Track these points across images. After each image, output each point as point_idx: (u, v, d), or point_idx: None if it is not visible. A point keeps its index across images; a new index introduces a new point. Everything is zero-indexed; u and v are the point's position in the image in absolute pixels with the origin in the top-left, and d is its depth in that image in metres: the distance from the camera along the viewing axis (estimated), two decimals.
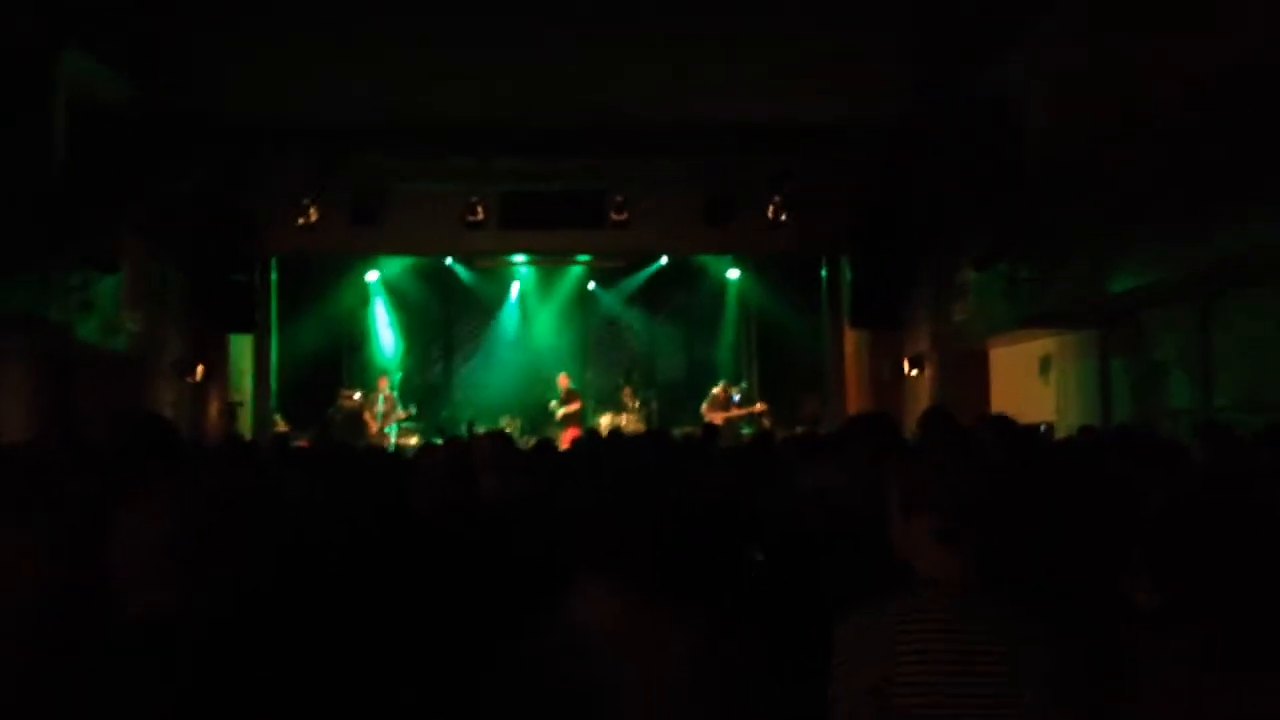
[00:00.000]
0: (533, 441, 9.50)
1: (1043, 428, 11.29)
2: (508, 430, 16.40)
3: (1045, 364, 13.42)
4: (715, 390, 16.76)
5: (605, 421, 16.64)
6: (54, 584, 1.97)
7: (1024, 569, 3.23)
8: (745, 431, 15.71)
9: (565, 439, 14.38)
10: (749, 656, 2.54)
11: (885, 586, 2.46)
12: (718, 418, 16.23)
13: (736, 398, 16.79)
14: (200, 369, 14.20)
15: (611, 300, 18.98)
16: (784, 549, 3.73)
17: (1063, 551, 3.34)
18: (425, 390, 18.30)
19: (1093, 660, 2.35)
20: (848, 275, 15.82)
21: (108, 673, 2.01)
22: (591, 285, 18.92)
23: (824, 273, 17.21)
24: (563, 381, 17.00)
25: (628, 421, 16.32)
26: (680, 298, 18.94)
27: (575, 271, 18.78)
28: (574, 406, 16.77)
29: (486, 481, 3.87)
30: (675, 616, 2.52)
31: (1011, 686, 2.29)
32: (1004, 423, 4.66)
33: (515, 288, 18.78)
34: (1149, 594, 2.35)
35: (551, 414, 16.96)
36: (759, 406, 16.67)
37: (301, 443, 13.17)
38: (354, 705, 2.59)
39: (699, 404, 17.10)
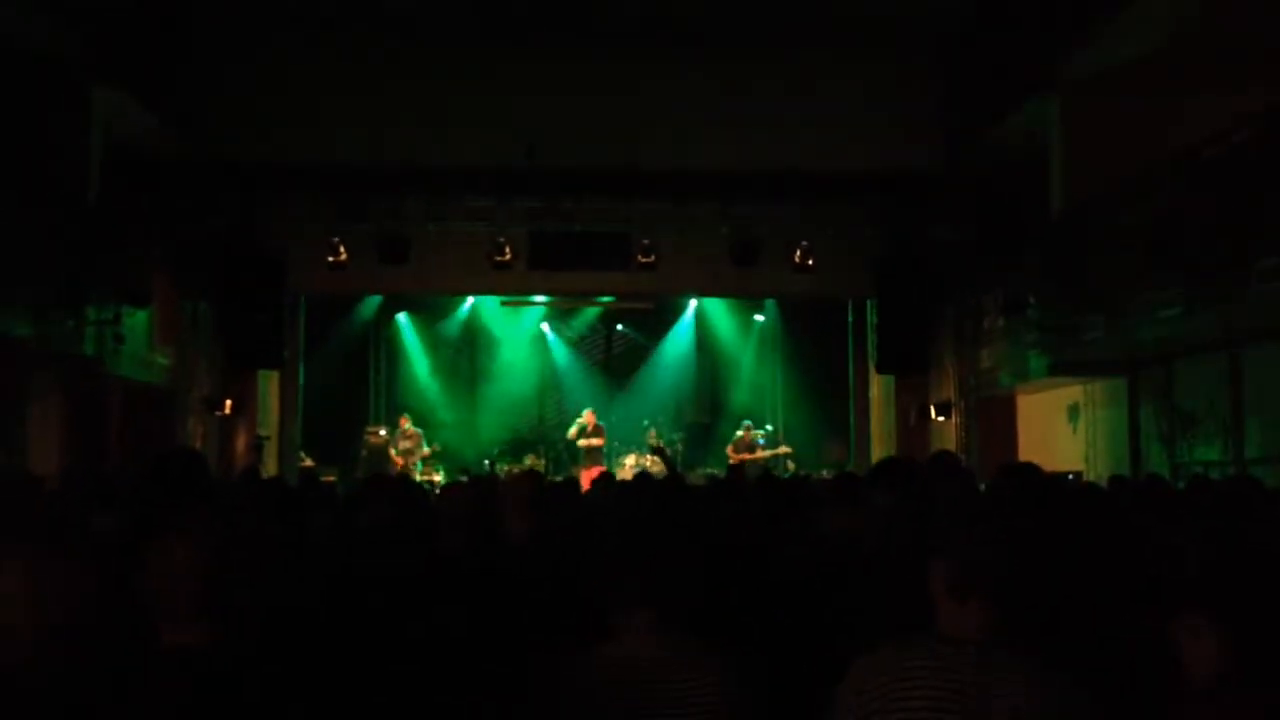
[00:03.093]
0: (557, 479, 9.50)
1: (1070, 476, 11.20)
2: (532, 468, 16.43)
3: (1074, 412, 13.33)
4: (740, 433, 16.74)
5: (630, 462, 16.62)
6: (85, 616, 1.98)
7: (1049, 626, 3.21)
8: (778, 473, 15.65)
9: (586, 478, 14.36)
10: (774, 693, 2.56)
11: (901, 631, 2.45)
12: (742, 459, 16.21)
13: (761, 440, 16.75)
14: (229, 404, 14.31)
15: (637, 341, 19.01)
16: (807, 590, 3.72)
17: (1090, 609, 3.30)
18: (449, 427, 18.34)
19: None
20: (873, 320, 15.80)
21: (138, 705, 2.02)
22: (619, 326, 18.97)
23: (850, 317, 17.21)
24: (588, 418, 16.99)
25: (653, 463, 16.29)
26: (706, 341, 18.95)
27: (602, 312, 18.84)
28: (597, 441, 16.74)
29: (515, 523, 3.87)
30: (709, 652, 2.59)
31: None
32: (1030, 471, 4.60)
33: (543, 327, 18.85)
34: (1208, 660, 2.27)
35: (572, 444, 16.91)
36: (783, 449, 16.63)
37: (327, 479, 13.27)
38: None
39: (723, 446, 17.08)
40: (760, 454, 16.45)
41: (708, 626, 2.69)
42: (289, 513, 3.99)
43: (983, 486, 6.16)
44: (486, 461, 16.76)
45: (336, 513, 4.43)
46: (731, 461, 16.17)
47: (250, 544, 2.33)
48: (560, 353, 19.05)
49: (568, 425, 17.27)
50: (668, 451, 15.61)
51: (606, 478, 10.75)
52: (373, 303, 17.91)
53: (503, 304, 18.29)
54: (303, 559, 3.30)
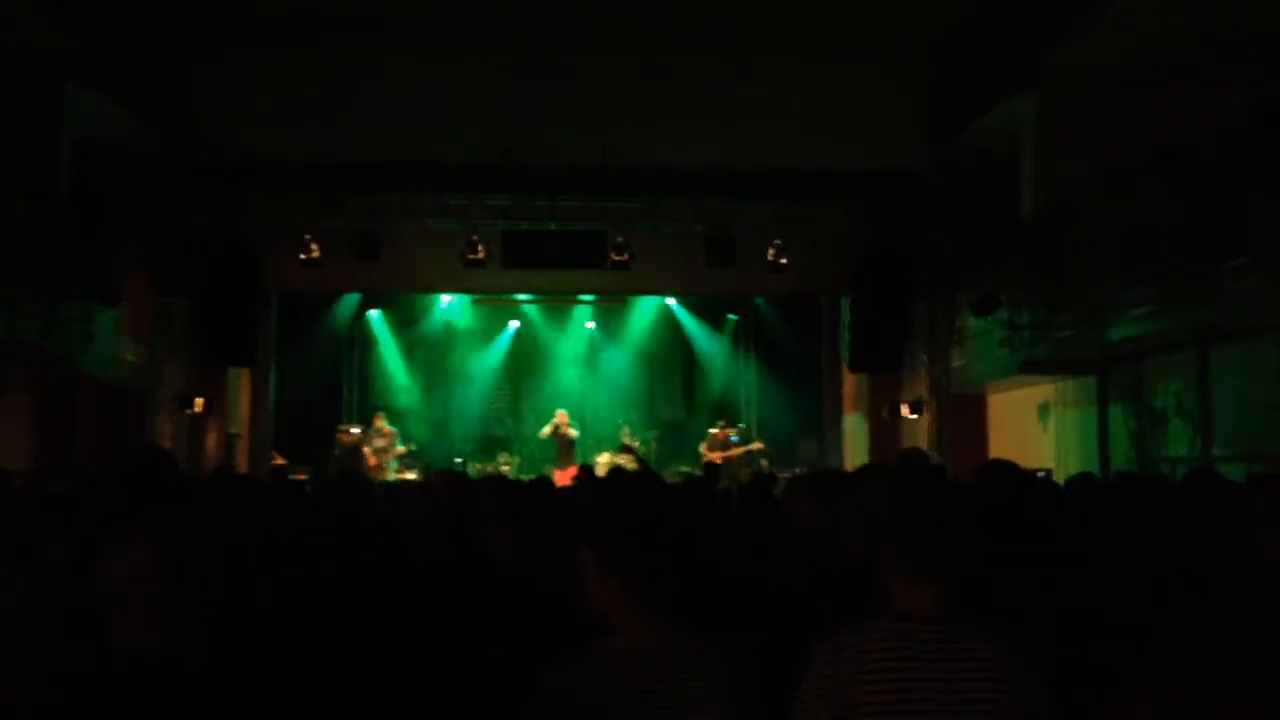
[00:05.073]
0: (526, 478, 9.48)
1: (1040, 474, 11.27)
2: (505, 468, 16.41)
3: (1044, 410, 13.43)
4: (714, 430, 16.78)
5: (604, 460, 16.62)
6: (46, 616, 1.97)
7: (997, 606, 3.26)
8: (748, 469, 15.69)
9: (560, 477, 14.35)
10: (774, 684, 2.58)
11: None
12: (716, 457, 16.23)
13: (735, 438, 16.78)
14: (199, 401, 14.20)
15: (611, 340, 18.99)
16: (795, 584, 3.73)
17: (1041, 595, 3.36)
18: (424, 426, 18.27)
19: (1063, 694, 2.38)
20: (847, 318, 15.85)
21: (95, 705, 2.00)
22: (590, 325, 18.95)
23: (823, 316, 17.27)
24: (560, 418, 16.98)
25: (626, 461, 16.30)
26: (680, 338, 18.96)
27: (575, 310, 18.82)
28: (570, 439, 16.76)
29: (493, 535, 3.84)
30: (707, 646, 2.63)
31: (970, 713, 2.34)
32: (1005, 467, 4.64)
33: (514, 325, 18.79)
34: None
35: (544, 444, 16.91)
36: (756, 445, 16.66)
37: (298, 476, 13.19)
38: None
39: (696, 444, 17.10)
40: (735, 451, 16.49)
41: (706, 622, 2.73)
42: (256, 512, 3.96)
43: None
44: (458, 460, 16.71)
45: (304, 512, 4.41)
46: (706, 459, 16.19)
47: (215, 545, 2.30)
48: (534, 350, 19.00)
49: (540, 424, 17.26)
50: (639, 450, 15.67)
51: (588, 472, 10.75)
52: (346, 300, 17.81)
53: (474, 302, 18.24)
54: (270, 559, 3.27)
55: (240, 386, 15.93)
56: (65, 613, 1.99)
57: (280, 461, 15.76)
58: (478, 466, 16.47)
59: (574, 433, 16.96)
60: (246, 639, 2.39)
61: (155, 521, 2.36)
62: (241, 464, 15.11)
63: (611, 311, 18.76)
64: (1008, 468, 4.65)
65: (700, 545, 4.25)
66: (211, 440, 14.98)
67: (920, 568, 2.47)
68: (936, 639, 2.40)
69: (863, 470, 4.34)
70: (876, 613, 2.50)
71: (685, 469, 16.11)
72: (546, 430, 16.84)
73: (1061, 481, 9.10)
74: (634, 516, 2.84)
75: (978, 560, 2.62)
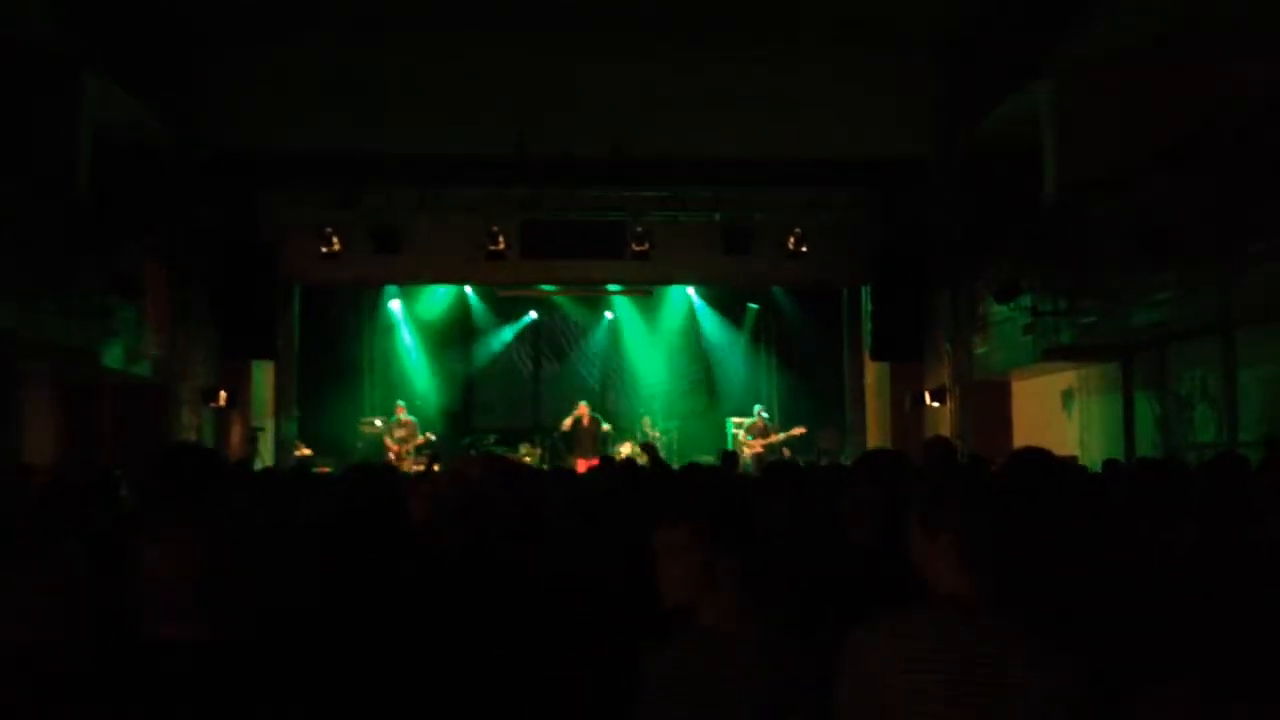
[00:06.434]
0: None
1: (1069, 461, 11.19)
2: (526, 459, 16.41)
3: (1068, 397, 13.34)
4: (754, 420, 16.79)
5: (625, 451, 16.60)
6: (73, 610, 1.97)
7: (1037, 591, 3.23)
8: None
9: (581, 466, 14.36)
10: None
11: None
12: (757, 445, 16.24)
13: (767, 421, 16.87)
14: (223, 395, 14.27)
15: (632, 330, 18.97)
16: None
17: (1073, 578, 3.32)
18: (445, 417, 18.32)
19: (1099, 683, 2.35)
20: (868, 307, 15.78)
21: (123, 698, 2.01)
22: (609, 315, 18.94)
23: (844, 304, 17.20)
24: (582, 410, 16.98)
25: (638, 454, 16.28)
26: (701, 328, 18.92)
27: (597, 301, 18.82)
28: (591, 431, 16.76)
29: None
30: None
31: (1015, 701, 2.30)
32: (1038, 455, 4.57)
33: (534, 315, 18.80)
34: None
35: (567, 435, 16.93)
36: (798, 430, 16.56)
37: (322, 469, 13.25)
38: None
39: (717, 434, 17.11)
40: (774, 438, 16.46)
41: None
42: (278, 505, 3.97)
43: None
44: (473, 453, 16.72)
45: (325, 504, 4.40)
46: (748, 450, 16.22)
47: (243, 538, 2.31)
48: (556, 341, 19.00)
49: (562, 414, 17.27)
50: (655, 448, 15.72)
51: (609, 463, 10.74)
52: (367, 292, 17.86)
53: (496, 293, 18.25)
54: (294, 552, 3.27)
55: (264, 380, 15.99)
56: (88, 607, 1.99)
57: (304, 453, 15.85)
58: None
59: (603, 425, 16.96)
60: (271, 632, 2.38)
61: (186, 513, 2.37)
62: (266, 457, 15.18)
63: (632, 302, 18.72)
64: (1039, 456, 4.56)
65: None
66: (235, 434, 15.05)
67: (975, 562, 2.44)
68: (977, 627, 2.37)
69: (864, 458, 4.24)
70: (903, 603, 2.47)
71: (708, 459, 16.07)
72: (567, 423, 16.84)
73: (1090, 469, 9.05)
74: (734, 502, 2.83)
75: (1017, 548, 2.58)
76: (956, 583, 2.44)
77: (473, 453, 16.31)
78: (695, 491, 3.78)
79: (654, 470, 7.36)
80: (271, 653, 2.28)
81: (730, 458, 10.87)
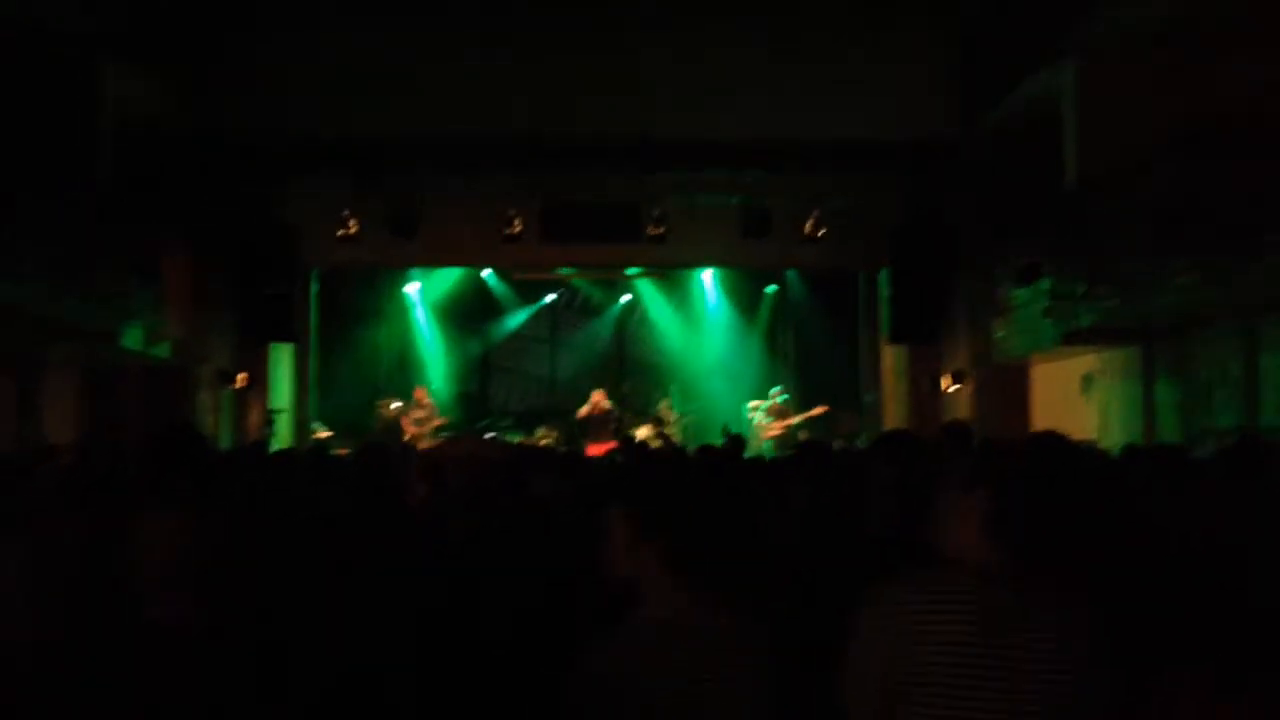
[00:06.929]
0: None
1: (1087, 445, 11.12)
2: (544, 441, 16.43)
3: (1088, 381, 13.25)
4: (771, 402, 16.78)
5: (642, 433, 16.60)
6: (73, 588, 1.98)
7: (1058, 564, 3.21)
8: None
9: (593, 451, 14.37)
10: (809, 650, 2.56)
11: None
12: (776, 427, 16.23)
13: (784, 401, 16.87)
14: (242, 377, 14.35)
15: (649, 313, 18.95)
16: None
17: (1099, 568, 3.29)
18: (463, 400, 18.37)
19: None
20: (885, 290, 15.71)
21: (121, 675, 2.02)
22: (627, 298, 18.93)
23: (860, 288, 17.14)
24: (598, 397, 16.99)
25: (651, 436, 16.29)
26: (718, 311, 18.90)
27: (615, 284, 18.82)
28: (605, 418, 16.76)
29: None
30: (740, 612, 2.60)
31: (1037, 668, 2.30)
32: (1054, 440, 4.53)
33: (552, 298, 18.81)
34: None
35: (583, 422, 16.94)
36: (819, 410, 16.51)
37: (340, 450, 13.29)
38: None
39: (735, 417, 17.07)
40: (795, 419, 16.43)
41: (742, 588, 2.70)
42: (292, 486, 3.98)
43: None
44: (490, 435, 16.75)
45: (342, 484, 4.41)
46: (768, 433, 16.22)
47: (240, 521, 2.31)
48: (574, 323, 19.01)
49: (581, 398, 17.27)
50: (676, 425, 15.75)
51: (628, 443, 10.73)
52: (385, 276, 17.91)
53: (513, 276, 18.26)
54: (303, 533, 3.27)
55: (283, 362, 16.06)
56: (87, 587, 2.00)
57: (323, 436, 15.91)
58: (518, 440, 16.50)
59: (619, 410, 16.96)
60: (269, 614, 2.39)
61: (186, 493, 2.38)
62: (285, 439, 15.25)
63: (650, 285, 18.70)
64: (1056, 440, 4.52)
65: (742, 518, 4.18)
66: (254, 416, 15.13)
67: (1005, 531, 2.42)
68: (997, 602, 2.35)
69: (881, 439, 4.19)
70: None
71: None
72: (584, 410, 16.86)
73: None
74: (670, 483, 2.80)
75: (1041, 528, 2.55)
76: (984, 553, 2.42)
77: (491, 435, 16.36)
78: (638, 475, 3.76)
79: (667, 453, 7.36)
80: (261, 636, 2.28)
81: (736, 440, 10.83)
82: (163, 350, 12.68)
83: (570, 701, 2.49)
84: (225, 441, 13.54)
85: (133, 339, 11.66)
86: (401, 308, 18.53)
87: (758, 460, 8.07)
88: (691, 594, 2.58)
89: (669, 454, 7.25)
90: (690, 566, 2.59)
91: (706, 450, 6.88)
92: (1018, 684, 2.30)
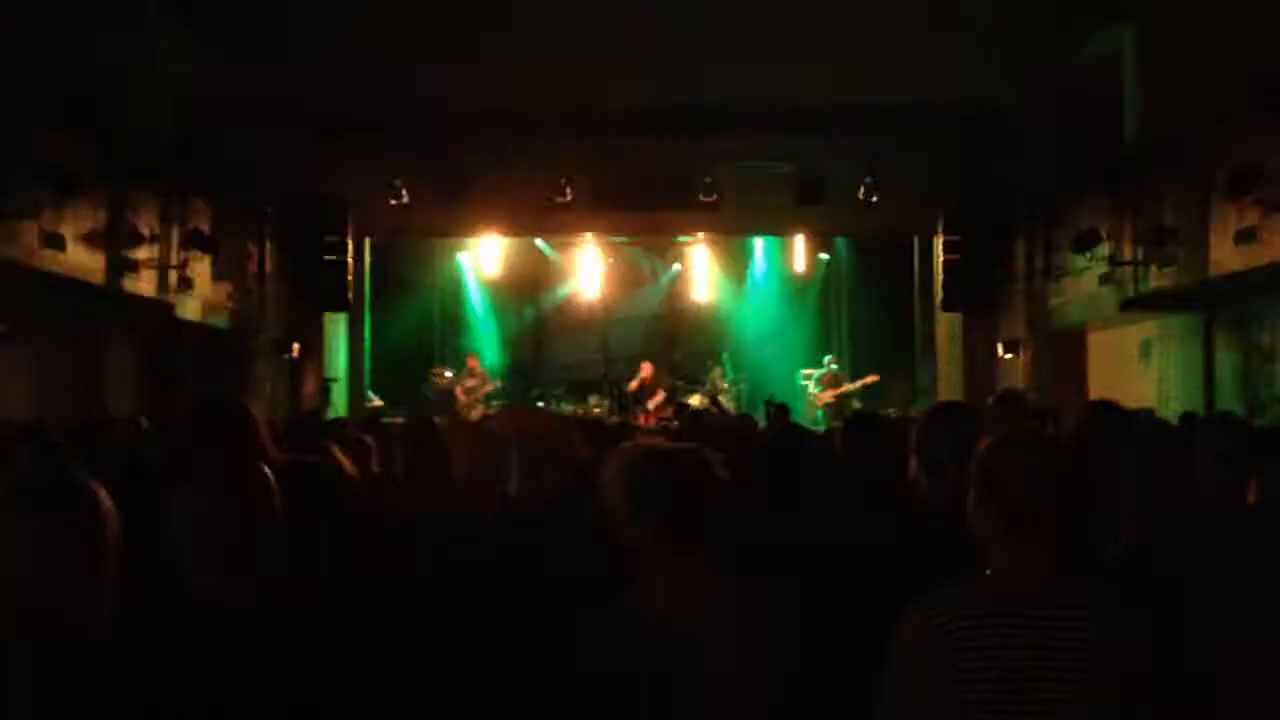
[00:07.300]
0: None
1: (1142, 415, 10.94)
2: (596, 410, 16.48)
3: (1146, 348, 13.02)
4: (824, 370, 16.71)
5: (695, 401, 16.60)
6: (102, 562, 1.99)
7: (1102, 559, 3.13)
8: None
9: (645, 420, 14.41)
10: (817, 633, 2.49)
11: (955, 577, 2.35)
12: (829, 396, 16.21)
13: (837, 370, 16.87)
14: (296, 347, 14.52)
15: (703, 282, 18.87)
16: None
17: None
18: (516, 368, 18.48)
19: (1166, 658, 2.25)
20: (940, 257, 15.51)
21: (156, 652, 2.05)
22: (678, 266, 18.87)
23: (915, 255, 16.95)
24: (647, 370, 17.01)
25: (702, 402, 16.28)
26: (771, 279, 18.81)
27: (666, 252, 18.76)
28: (654, 391, 16.80)
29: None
30: (745, 591, 2.50)
31: (1078, 686, 2.20)
32: (1106, 408, 4.41)
33: (604, 267, 18.77)
34: None
35: (635, 395, 16.98)
36: (871, 378, 16.44)
37: (394, 420, 13.42)
38: (410, 699, 2.59)
39: (788, 385, 17.02)
40: (847, 387, 16.37)
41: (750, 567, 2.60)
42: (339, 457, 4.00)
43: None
44: (540, 405, 16.82)
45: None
46: (821, 401, 16.18)
47: (279, 494, 2.32)
48: (625, 293, 18.97)
49: (633, 365, 17.31)
50: (722, 403, 15.77)
51: (683, 411, 10.69)
52: (437, 244, 18.00)
53: (564, 245, 18.25)
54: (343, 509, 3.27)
55: (337, 332, 16.23)
56: (125, 558, 2.02)
57: (377, 404, 16.08)
58: (571, 410, 16.56)
59: (659, 388, 16.96)
60: (314, 591, 2.41)
61: (225, 466, 2.39)
62: (340, 408, 15.43)
63: (702, 253, 18.60)
64: (1112, 409, 4.41)
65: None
66: (309, 385, 15.32)
67: (1027, 531, 2.30)
68: (1042, 607, 2.24)
69: (935, 411, 4.04)
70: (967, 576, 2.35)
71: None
72: (634, 384, 16.92)
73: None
74: (665, 449, 2.67)
75: (1085, 516, 2.44)
76: (1015, 558, 2.31)
77: (540, 404, 16.44)
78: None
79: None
80: (300, 613, 2.27)
81: (780, 409, 10.76)
82: (220, 321, 12.85)
83: (579, 675, 2.43)
84: (282, 411, 13.71)
85: (189, 309, 11.83)
86: (453, 276, 18.63)
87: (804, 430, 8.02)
88: (687, 560, 2.47)
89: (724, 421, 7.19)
90: (683, 532, 2.48)
91: (746, 418, 6.80)
92: (1067, 694, 2.20)
